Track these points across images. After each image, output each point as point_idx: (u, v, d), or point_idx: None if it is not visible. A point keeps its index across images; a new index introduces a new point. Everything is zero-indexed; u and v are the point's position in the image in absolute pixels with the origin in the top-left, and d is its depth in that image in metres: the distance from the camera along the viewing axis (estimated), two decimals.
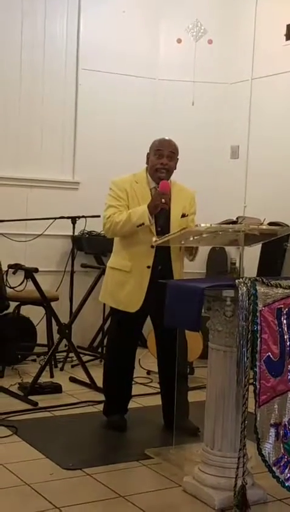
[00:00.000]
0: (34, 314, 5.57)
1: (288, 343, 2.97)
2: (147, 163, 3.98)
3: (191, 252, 3.87)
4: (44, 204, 5.92)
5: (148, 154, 3.98)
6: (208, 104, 6.47)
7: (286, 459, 2.97)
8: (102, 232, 5.94)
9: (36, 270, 4.94)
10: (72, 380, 5.06)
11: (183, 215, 3.92)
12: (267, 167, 6.14)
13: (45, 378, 4.87)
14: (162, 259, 3.88)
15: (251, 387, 2.92)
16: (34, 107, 6.00)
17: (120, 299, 3.93)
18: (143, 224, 3.77)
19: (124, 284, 3.90)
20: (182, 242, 3.61)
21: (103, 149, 6.23)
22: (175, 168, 3.96)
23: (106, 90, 6.27)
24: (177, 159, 3.96)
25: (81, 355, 5.22)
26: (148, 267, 3.85)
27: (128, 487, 3.19)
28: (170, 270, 3.90)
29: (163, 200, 3.75)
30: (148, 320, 4.12)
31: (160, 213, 3.83)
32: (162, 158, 3.88)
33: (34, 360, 5.56)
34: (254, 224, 3.28)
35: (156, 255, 3.85)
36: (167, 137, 3.96)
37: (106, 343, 4.26)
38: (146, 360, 5.29)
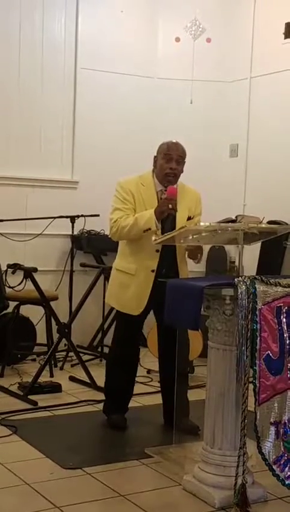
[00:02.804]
0: (34, 313, 5.56)
1: (288, 342, 2.96)
2: (154, 165, 3.94)
3: (196, 256, 3.87)
4: (43, 203, 5.92)
5: (155, 157, 3.94)
6: (206, 102, 6.47)
7: (286, 457, 2.97)
8: (101, 231, 6.01)
9: (35, 269, 4.94)
10: (72, 379, 5.06)
11: (189, 218, 3.90)
12: (266, 165, 6.14)
13: (44, 378, 4.87)
14: (168, 262, 3.87)
15: (251, 386, 2.92)
16: (32, 106, 6.00)
17: (124, 302, 3.93)
18: (150, 229, 3.75)
19: (128, 287, 3.90)
20: (182, 241, 3.61)
21: (102, 148, 6.22)
22: (182, 172, 3.94)
23: (105, 89, 6.27)
24: (184, 162, 3.94)
25: (81, 354, 5.22)
26: (153, 271, 3.85)
27: (128, 486, 3.19)
28: (175, 273, 3.89)
29: (170, 206, 3.74)
30: (148, 320, 4.11)
31: (166, 218, 3.81)
32: (171, 162, 3.85)
33: (34, 360, 5.56)
34: (253, 222, 3.27)
35: (161, 259, 3.85)
36: (174, 140, 3.92)
37: (111, 343, 4.25)
38: (146, 359, 5.29)
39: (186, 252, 3.87)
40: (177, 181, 3.92)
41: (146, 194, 3.88)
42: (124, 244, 3.98)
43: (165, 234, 3.53)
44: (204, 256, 6.33)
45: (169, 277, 3.73)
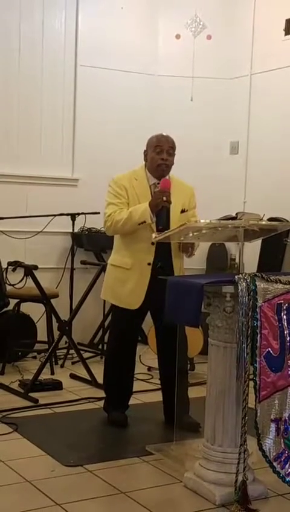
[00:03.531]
0: (34, 311, 5.56)
1: (288, 339, 2.96)
2: (145, 160, 3.98)
3: (188, 250, 3.88)
4: (43, 201, 5.92)
5: (145, 151, 3.98)
6: (207, 99, 6.46)
7: (286, 454, 2.97)
8: (102, 229, 5.97)
9: (36, 267, 4.94)
10: (73, 376, 5.07)
11: (182, 211, 3.92)
12: (267, 163, 6.13)
13: (45, 375, 4.87)
14: (162, 255, 3.88)
15: (251, 383, 2.92)
16: (32, 104, 5.99)
17: (121, 297, 3.93)
18: (144, 222, 3.77)
19: (125, 281, 3.90)
20: (182, 238, 3.61)
21: (102, 145, 6.22)
22: (173, 163, 3.97)
23: (105, 86, 6.26)
24: (175, 153, 3.96)
25: (82, 352, 5.22)
26: (149, 264, 3.86)
27: (129, 483, 3.19)
28: (170, 266, 3.91)
29: (164, 198, 3.75)
30: (149, 317, 4.12)
31: (161, 210, 3.82)
32: (162, 154, 3.89)
33: (35, 357, 5.57)
34: (253, 219, 3.27)
35: (156, 252, 3.86)
36: (164, 133, 3.97)
37: (107, 340, 4.25)
38: (147, 357, 5.29)
39: (179, 246, 3.87)
40: (169, 172, 3.95)
41: (139, 188, 3.90)
42: (118, 239, 3.99)
43: (166, 232, 3.53)
44: (204, 253, 6.40)
45: (164, 270, 3.76)
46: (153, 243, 3.80)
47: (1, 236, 5.60)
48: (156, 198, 3.78)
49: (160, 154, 3.89)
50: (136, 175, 3.96)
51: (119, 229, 3.87)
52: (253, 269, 5.41)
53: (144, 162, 4.00)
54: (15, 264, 4.95)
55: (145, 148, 3.99)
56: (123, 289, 3.91)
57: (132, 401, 4.17)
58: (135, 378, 4.24)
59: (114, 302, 4.02)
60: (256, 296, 2.91)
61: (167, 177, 3.91)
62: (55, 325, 5.18)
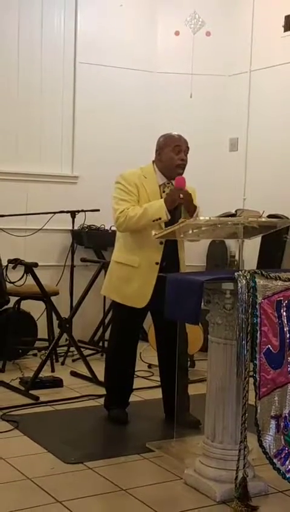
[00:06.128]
0: (35, 308, 5.57)
1: (288, 335, 2.97)
2: (158, 159, 3.92)
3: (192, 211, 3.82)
4: (43, 198, 5.92)
5: (158, 150, 3.91)
6: (206, 96, 6.46)
7: (286, 451, 2.97)
8: (102, 226, 6.01)
9: (36, 264, 4.94)
10: (73, 374, 5.07)
11: None
12: (266, 159, 6.13)
13: (46, 373, 4.87)
14: (170, 255, 3.87)
15: (251, 380, 2.93)
16: (32, 101, 5.99)
17: (127, 295, 3.90)
18: (160, 218, 3.73)
19: (131, 280, 3.87)
20: (181, 235, 3.60)
21: (102, 143, 6.22)
22: None
23: (104, 83, 6.26)
24: None
25: (82, 349, 5.22)
26: (157, 263, 3.84)
27: (130, 480, 3.20)
28: (176, 265, 3.90)
29: (181, 196, 3.73)
30: (149, 315, 4.11)
31: (175, 208, 3.78)
32: (181, 153, 3.86)
33: (35, 355, 5.57)
34: (253, 216, 3.27)
35: (164, 251, 3.85)
36: (174, 132, 3.93)
37: (108, 337, 4.25)
38: (147, 354, 5.29)
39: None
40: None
41: (149, 187, 3.87)
42: (127, 237, 3.93)
43: (166, 229, 3.52)
44: (204, 250, 6.40)
45: (170, 269, 3.73)
46: (161, 242, 3.78)
47: (1, 234, 5.60)
48: (173, 195, 3.75)
49: (179, 154, 3.85)
50: (145, 173, 3.91)
51: (132, 226, 3.80)
52: (253, 266, 5.41)
53: (152, 160, 3.94)
54: (15, 262, 4.95)
55: (157, 148, 3.92)
56: (129, 287, 3.88)
57: (132, 398, 4.17)
58: (135, 376, 4.24)
59: (118, 300, 3.98)
60: (256, 293, 2.90)
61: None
62: (55, 322, 5.19)
